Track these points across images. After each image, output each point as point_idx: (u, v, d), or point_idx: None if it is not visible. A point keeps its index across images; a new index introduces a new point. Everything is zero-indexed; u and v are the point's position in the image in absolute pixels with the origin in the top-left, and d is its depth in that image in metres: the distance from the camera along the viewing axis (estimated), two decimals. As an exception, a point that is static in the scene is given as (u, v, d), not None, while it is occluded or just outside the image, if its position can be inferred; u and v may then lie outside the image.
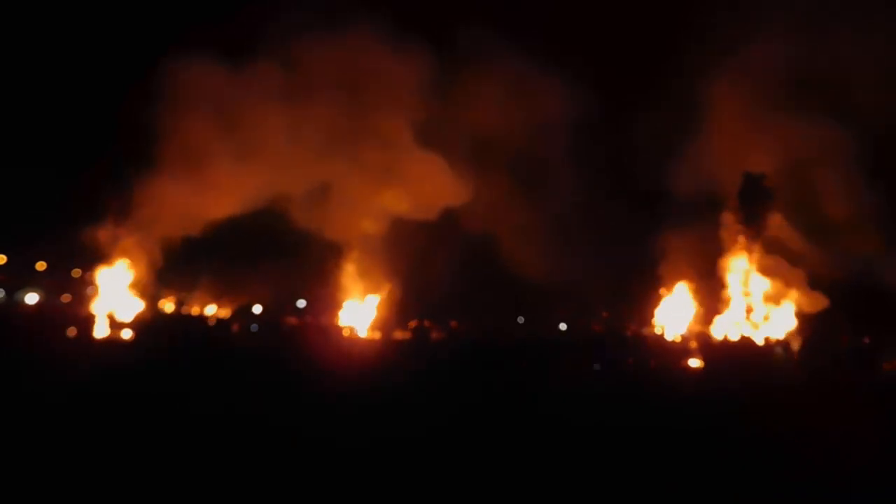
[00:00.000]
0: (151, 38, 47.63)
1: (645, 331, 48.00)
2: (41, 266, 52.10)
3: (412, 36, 45.39)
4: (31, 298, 49.94)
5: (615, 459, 13.60)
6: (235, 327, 46.45)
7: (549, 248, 45.81)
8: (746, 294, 44.21)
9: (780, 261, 43.89)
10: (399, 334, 47.24)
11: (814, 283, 43.27)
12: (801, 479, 12.66)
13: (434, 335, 47.71)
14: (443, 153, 46.16)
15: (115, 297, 45.86)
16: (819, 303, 42.93)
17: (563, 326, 54.80)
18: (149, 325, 43.82)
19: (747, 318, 43.76)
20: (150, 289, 46.88)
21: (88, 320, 42.83)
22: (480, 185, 46.25)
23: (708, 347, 39.91)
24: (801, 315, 43.49)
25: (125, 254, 45.66)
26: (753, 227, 43.77)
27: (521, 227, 46.53)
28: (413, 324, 49.33)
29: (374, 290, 48.78)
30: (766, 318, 43.80)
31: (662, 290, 47.44)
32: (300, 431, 15.26)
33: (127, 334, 41.82)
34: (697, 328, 45.56)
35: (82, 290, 48.22)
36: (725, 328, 44.15)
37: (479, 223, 47.07)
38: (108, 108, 44.94)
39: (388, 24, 45.31)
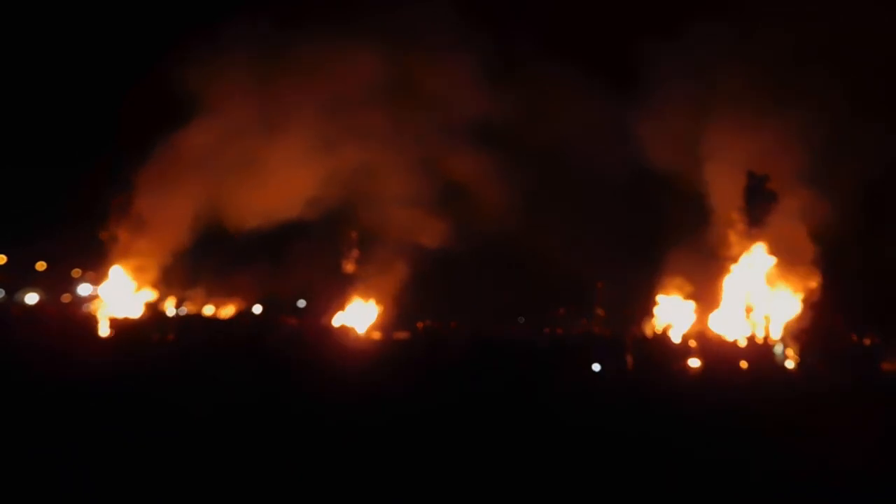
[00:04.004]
0: (154, 35, 47.72)
1: (644, 331, 47.99)
2: (41, 266, 52.14)
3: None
4: (31, 298, 49.96)
5: (614, 460, 13.58)
6: (236, 327, 46.42)
7: (550, 247, 45.84)
8: (747, 294, 44.16)
9: (781, 261, 43.86)
10: (399, 335, 47.24)
11: (815, 282, 43.21)
12: (801, 479, 12.62)
13: (434, 335, 47.70)
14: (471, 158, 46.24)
15: (116, 296, 45.84)
16: (820, 303, 42.87)
17: (562, 327, 54.91)
18: (149, 324, 43.81)
19: (747, 318, 43.71)
20: (151, 288, 46.87)
21: (88, 320, 42.81)
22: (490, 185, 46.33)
23: (708, 347, 39.83)
24: (801, 315, 43.42)
25: (125, 253, 45.64)
26: (756, 226, 43.73)
27: (526, 226, 46.55)
28: (413, 324, 49.44)
29: (375, 291, 48.81)
30: (766, 318, 43.74)
31: (663, 290, 47.43)
32: (299, 431, 15.24)
33: (127, 334, 41.76)
34: (697, 328, 45.51)
35: (83, 290, 48.27)
36: (725, 328, 44.10)
37: (483, 225, 47.10)
38: (108, 108, 44.99)
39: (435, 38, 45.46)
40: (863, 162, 41.97)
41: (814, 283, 42.88)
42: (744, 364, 37.25)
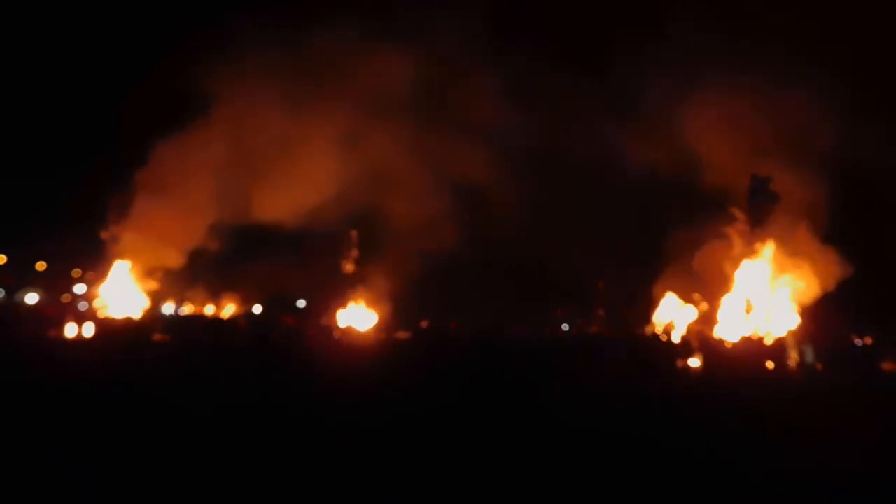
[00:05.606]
0: (154, 35, 47.77)
1: (644, 331, 48.00)
2: (41, 266, 52.13)
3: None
4: (31, 298, 49.96)
5: (614, 460, 13.57)
6: (236, 327, 46.42)
7: (551, 247, 45.87)
8: (747, 294, 44.19)
9: (782, 261, 43.88)
10: (400, 335, 47.22)
11: (816, 283, 43.22)
12: (801, 479, 12.62)
13: (434, 335, 47.68)
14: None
15: (116, 296, 45.83)
16: (821, 303, 42.91)
17: (564, 327, 54.94)
18: (149, 324, 43.80)
19: (747, 317, 43.73)
20: (151, 288, 46.84)
21: (88, 320, 42.81)
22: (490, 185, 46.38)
23: (708, 347, 39.83)
24: (802, 315, 43.44)
25: (125, 253, 45.63)
26: (758, 227, 43.77)
27: (527, 227, 46.59)
28: (415, 324, 49.44)
29: (376, 290, 48.80)
30: (766, 318, 43.76)
31: (663, 290, 47.43)
32: (299, 431, 15.24)
33: (127, 334, 41.76)
34: (698, 328, 45.51)
35: (82, 289, 48.26)
36: (726, 328, 44.11)
37: (486, 227, 47.14)
38: (108, 108, 45.01)
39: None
40: (863, 160, 42.06)
41: (814, 283, 42.93)
42: (744, 364, 37.24)
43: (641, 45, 45.14)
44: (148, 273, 45.98)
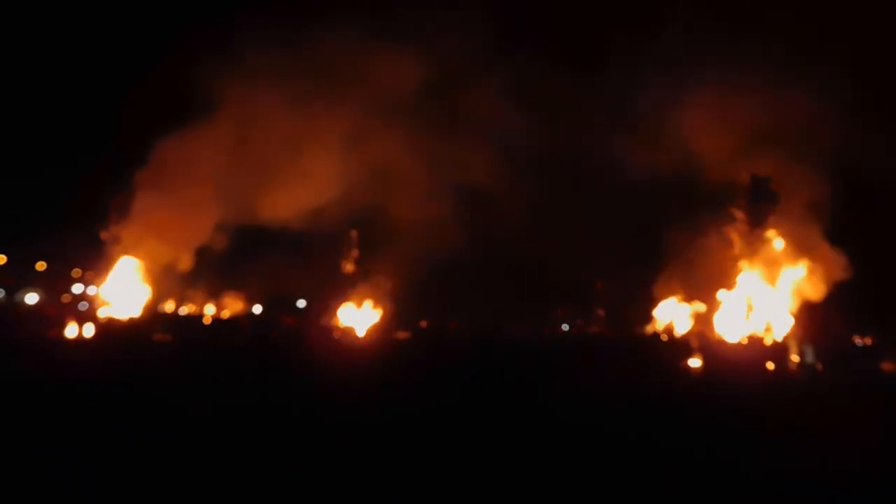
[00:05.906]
0: (154, 35, 47.82)
1: (644, 331, 47.99)
2: (41, 266, 52.16)
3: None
4: (31, 298, 49.98)
5: (615, 460, 13.58)
6: (236, 327, 46.40)
7: (550, 247, 45.88)
8: (748, 293, 44.20)
9: (782, 261, 43.90)
10: (400, 335, 47.22)
11: (816, 283, 43.23)
12: (801, 479, 12.62)
13: (434, 335, 47.67)
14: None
15: (116, 296, 45.84)
16: (821, 303, 42.92)
17: (564, 327, 54.96)
18: (149, 324, 43.79)
19: (747, 317, 43.73)
20: (152, 288, 46.85)
21: (88, 320, 42.82)
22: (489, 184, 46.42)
23: (708, 347, 39.84)
24: (802, 315, 43.45)
25: (125, 253, 45.64)
26: (758, 227, 43.78)
27: (526, 227, 46.60)
28: (415, 324, 49.46)
29: (376, 290, 48.82)
30: (766, 319, 43.77)
31: (663, 290, 47.43)
32: (299, 431, 15.24)
33: (127, 334, 41.75)
34: (698, 328, 45.52)
35: (82, 290, 48.29)
36: (726, 328, 44.12)
37: (482, 222, 47.16)
38: (108, 108, 45.03)
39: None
40: (863, 160, 42.06)
41: (814, 283, 42.95)
42: (743, 364, 37.25)
43: (642, 44, 45.29)
44: (148, 273, 46.00)
